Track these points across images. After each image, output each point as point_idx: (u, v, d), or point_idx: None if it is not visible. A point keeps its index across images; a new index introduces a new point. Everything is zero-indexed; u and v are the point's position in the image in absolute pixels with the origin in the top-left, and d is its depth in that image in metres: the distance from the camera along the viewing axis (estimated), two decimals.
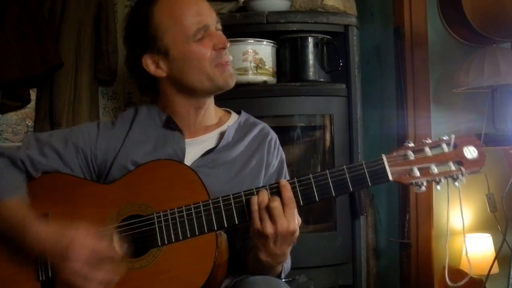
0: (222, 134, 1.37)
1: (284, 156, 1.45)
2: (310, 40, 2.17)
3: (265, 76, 2.11)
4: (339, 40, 2.22)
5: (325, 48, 2.20)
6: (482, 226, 2.42)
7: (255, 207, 1.15)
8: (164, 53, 1.31)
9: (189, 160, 1.32)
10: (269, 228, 1.14)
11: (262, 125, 1.45)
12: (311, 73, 2.18)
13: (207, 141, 1.37)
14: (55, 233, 1.17)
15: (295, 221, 1.15)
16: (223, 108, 1.48)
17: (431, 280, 2.44)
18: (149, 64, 1.32)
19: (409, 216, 2.45)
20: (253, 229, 1.16)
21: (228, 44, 1.33)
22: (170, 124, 1.35)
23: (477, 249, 2.34)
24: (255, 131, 1.41)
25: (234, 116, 1.45)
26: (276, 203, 1.14)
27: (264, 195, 1.16)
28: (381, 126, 2.60)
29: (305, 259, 2.10)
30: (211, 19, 1.33)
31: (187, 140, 1.34)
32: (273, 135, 1.44)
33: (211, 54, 1.30)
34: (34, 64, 2.38)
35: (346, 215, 2.19)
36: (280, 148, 1.45)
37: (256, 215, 1.15)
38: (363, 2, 2.55)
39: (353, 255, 2.20)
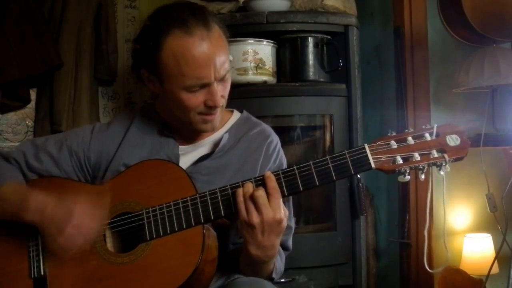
0: (217, 141, 1.37)
1: (284, 161, 1.44)
2: (310, 40, 2.17)
3: (265, 76, 2.11)
4: (339, 40, 2.23)
5: (325, 48, 2.20)
6: (482, 226, 2.42)
7: (240, 198, 1.18)
8: (160, 81, 1.30)
9: (183, 166, 1.33)
10: (255, 218, 1.16)
11: (262, 126, 1.44)
12: (311, 73, 2.18)
13: (202, 147, 1.38)
14: (57, 198, 1.23)
15: (281, 210, 1.17)
16: (227, 109, 1.47)
17: (431, 280, 2.44)
18: (145, 77, 1.33)
19: (409, 216, 2.45)
20: (240, 221, 1.18)
21: (221, 103, 1.29)
22: (166, 131, 1.37)
23: (477, 249, 2.34)
24: (253, 133, 1.41)
25: (234, 117, 1.45)
26: (260, 192, 1.16)
27: (249, 187, 1.19)
28: (381, 126, 2.60)
29: (305, 259, 2.10)
30: (217, 74, 1.25)
31: (181, 147, 1.36)
32: (274, 138, 1.43)
33: (199, 106, 1.27)
34: (34, 64, 2.38)
35: (346, 215, 2.19)
36: (281, 153, 1.43)
37: (242, 206, 1.17)
38: (363, 2, 2.55)
39: (353, 255, 2.20)
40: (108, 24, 2.64)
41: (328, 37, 2.21)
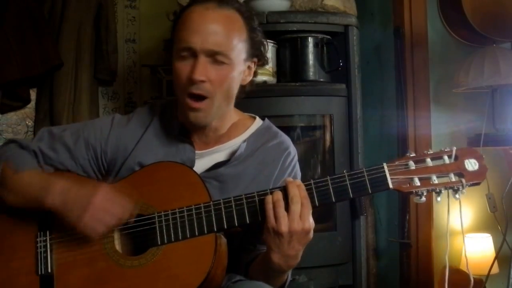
0: (234, 149, 1.34)
1: (299, 175, 1.41)
2: (310, 40, 2.17)
3: (265, 76, 2.11)
4: (339, 40, 2.22)
5: (325, 48, 2.20)
6: (482, 226, 2.42)
7: (269, 205, 1.15)
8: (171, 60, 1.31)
9: (197, 170, 1.30)
10: (283, 226, 1.13)
11: (282, 138, 1.41)
12: (311, 73, 2.18)
13: (218, 152, 1.35)
14: (79, 182, 1.25)
15: (310, 220, 1.15)
16: (249, 114, 1.45)
17: (431, 280, 2.44)
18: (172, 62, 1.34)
19: (409, 216, 2.45)
20: (267, 228, 1.15)
21: (198, 78, 1.22)
22: (183, 136, 1.34)
23: (477, 249, 2.34)
24: (271, 144, 1.38)
25: (255, 125, 1.41)
26: (295, 199, 1.14)
27: (279, 194, 1.16)
28: (381, 126, 2.60)
29: (305, 259, 2.07)
30: (205, 43, 1.22)
31: (198, 152, 1.34)
32: (292, 151, 1.40)
33: (184, 79, 1.24)
34: (34, 64, 2.38)
35: (346, 215, 2.19)
36: (297, 166, 1.41)
37: (271, 213, 1.14)
38: (363, 2, 2.55)
39: (353, 255, 2.20)
40: (108, 24, 2.64)
41: (328, 37, 2.21)
